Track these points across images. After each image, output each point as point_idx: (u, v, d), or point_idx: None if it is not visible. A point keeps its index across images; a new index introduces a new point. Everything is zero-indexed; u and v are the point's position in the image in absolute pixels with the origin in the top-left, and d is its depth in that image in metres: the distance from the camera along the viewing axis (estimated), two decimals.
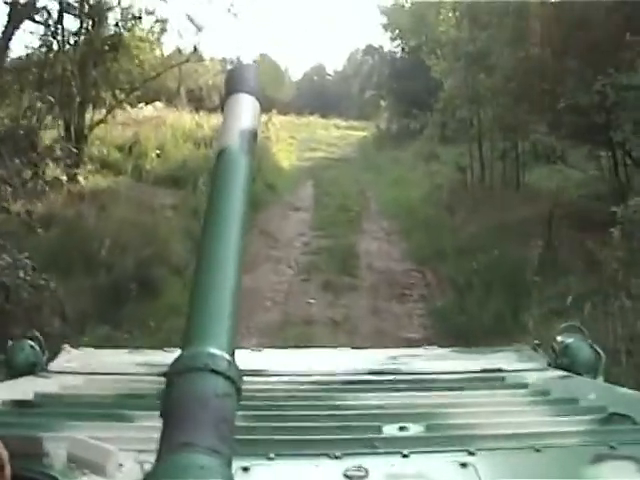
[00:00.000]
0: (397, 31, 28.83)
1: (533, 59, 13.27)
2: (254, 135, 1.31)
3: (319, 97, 44.30)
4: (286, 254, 12.94)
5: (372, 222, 16.02)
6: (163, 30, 18.11)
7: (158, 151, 17.49)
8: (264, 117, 28.48)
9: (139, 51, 16.70)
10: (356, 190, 19.53)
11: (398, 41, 29.25)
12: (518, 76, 13.45)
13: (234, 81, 1.40)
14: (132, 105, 18.16)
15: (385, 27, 29.48)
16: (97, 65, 15.43)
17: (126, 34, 16.18)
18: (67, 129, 14.52)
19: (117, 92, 16.03)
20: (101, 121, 15.43)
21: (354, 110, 38.28)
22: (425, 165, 20.34)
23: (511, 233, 11.10)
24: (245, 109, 1.34)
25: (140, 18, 16.40)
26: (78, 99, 14.68)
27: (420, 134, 23.25)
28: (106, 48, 15.53)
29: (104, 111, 15.63)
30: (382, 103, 31.76)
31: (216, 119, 21.56)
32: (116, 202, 13.04)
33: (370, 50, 32.11)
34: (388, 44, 31.74)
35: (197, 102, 31.29)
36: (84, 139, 14.92)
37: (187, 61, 19.71)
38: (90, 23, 15.25)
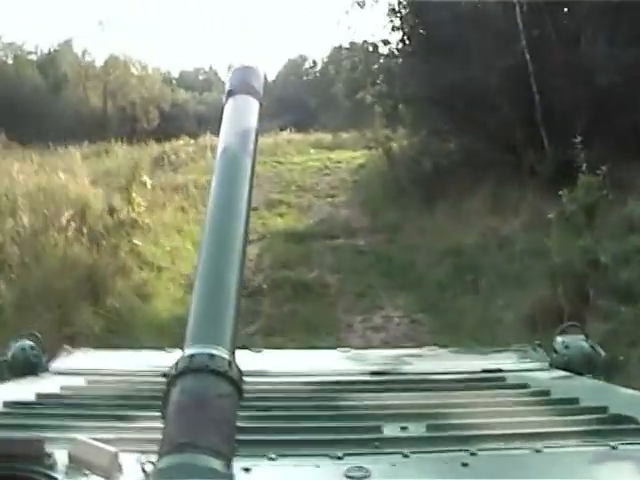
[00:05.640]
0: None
1: None
2: (255, 137, 1.32)
3: (296, 103, 33.33)
4: None
5: None
6: None
7: None
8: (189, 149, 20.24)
9: None
10: None
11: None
12: None
13: (236, 83, 1.41)
14: None
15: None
16: None
17: None
18: None
19: None
20: None
21: (341, 119, 24.73)
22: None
23: None
24: (246, 111, 1.36)
25: None
26: None
27: (492, 171, 10.59)
28: None
29: None
30: (377, 109, 16.12)
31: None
32: None
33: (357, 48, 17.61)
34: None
35: (131, 122, 27.26)
36: None
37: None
38: None
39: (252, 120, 1.35)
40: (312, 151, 22.25)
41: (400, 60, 14.64)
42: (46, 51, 34.25)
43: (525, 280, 7.11)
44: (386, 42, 14.85)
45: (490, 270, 7.75)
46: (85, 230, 9.53)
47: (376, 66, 15.69)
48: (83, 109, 29.54)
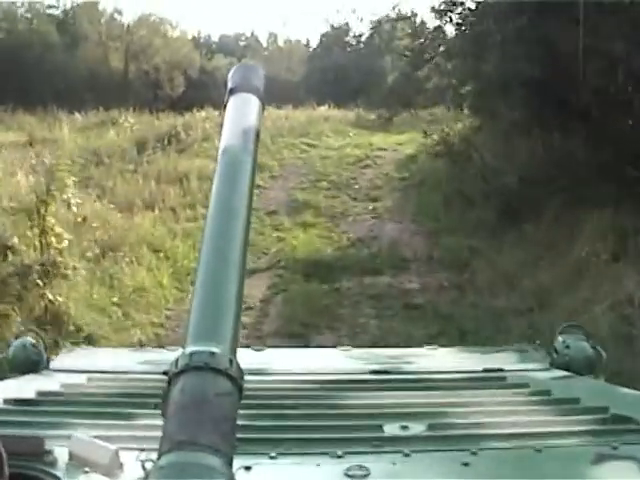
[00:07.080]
0: None
1: None
2: (257, 136, 1.33)
3: (337, 75, 28.94)
4: None
5: None
6: None
7: None
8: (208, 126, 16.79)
9: None
10: None
11: None
12: None
13: (237, 81, 1.42)
14: None
15: None
16: None
17: None
18: None
19: None
20: None
21: (389, 97, 18.75)
22: None
23: None
24: (248, 110, 1.36)
25: None
26: None
27: None
28: None
29: None
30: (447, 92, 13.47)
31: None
32: None
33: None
34: None
35: (153, 89, 24.97)
36: None
37: None
38: None
39: (253, 119, 1.35)
40: (352, 133, 18.62)
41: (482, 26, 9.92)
42: (69, 6, 31.39)
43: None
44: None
45: None
46: None
47: (445, 31, 11.49)
48: (102, 72, 26.47)
